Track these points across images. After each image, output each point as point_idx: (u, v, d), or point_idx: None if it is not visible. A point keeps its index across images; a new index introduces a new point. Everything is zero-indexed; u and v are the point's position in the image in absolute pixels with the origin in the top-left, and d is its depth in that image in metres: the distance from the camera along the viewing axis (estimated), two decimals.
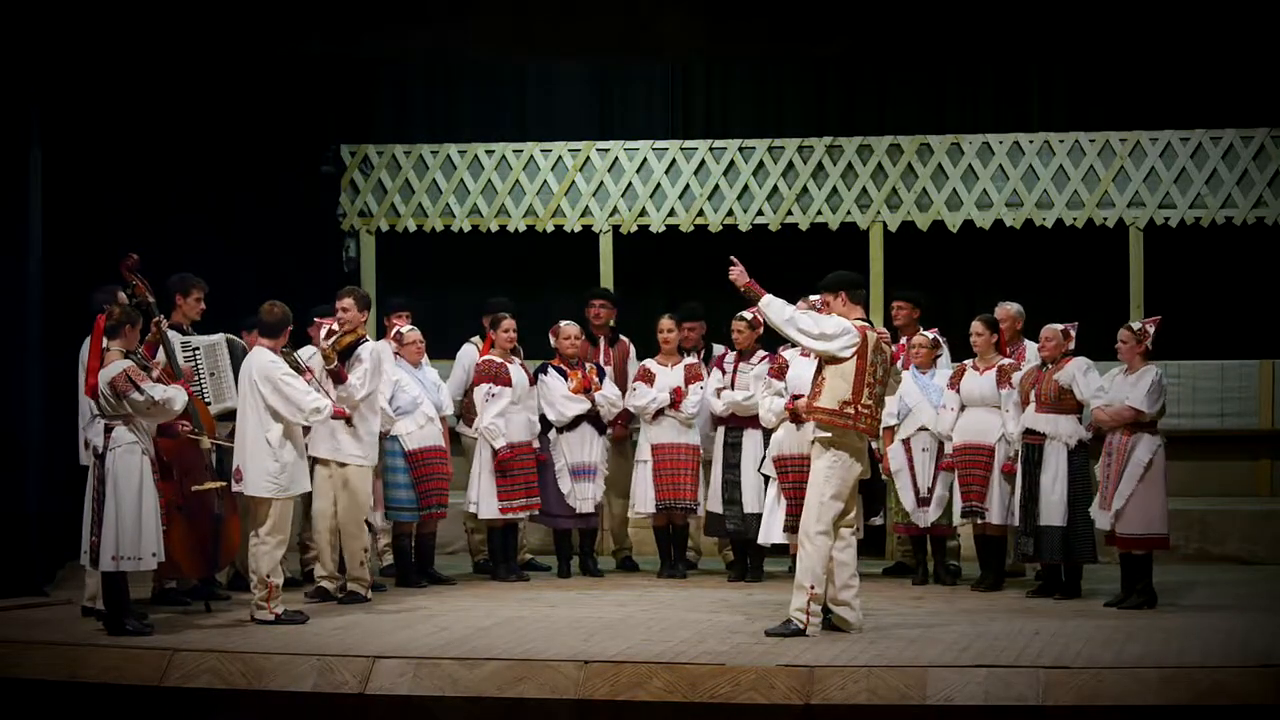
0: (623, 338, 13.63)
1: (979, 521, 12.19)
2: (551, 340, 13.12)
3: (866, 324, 10.31)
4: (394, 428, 12.30)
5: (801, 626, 10.14)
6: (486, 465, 12.70)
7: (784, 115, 15.45)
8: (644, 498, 12.94)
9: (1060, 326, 11.82)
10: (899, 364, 11.11)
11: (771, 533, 11.59)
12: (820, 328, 10.17)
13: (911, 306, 13.09)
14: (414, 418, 12.42)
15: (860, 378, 10.13)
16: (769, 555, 12.54)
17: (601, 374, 13.08)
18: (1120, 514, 11.30)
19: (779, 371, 11.77)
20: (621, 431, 13.28)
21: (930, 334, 12.76)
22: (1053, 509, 11.59)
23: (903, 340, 12.89)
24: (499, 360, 12.80)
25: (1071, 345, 11.81)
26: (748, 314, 12.45)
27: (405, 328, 12.71)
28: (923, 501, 12.46)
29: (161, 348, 11.09)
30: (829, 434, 10.18)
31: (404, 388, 12.42)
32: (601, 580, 12.88)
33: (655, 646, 9.84)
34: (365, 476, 11.71)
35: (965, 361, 12.44)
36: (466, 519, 13.17)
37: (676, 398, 12.83)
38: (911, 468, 12.50)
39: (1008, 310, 12.66)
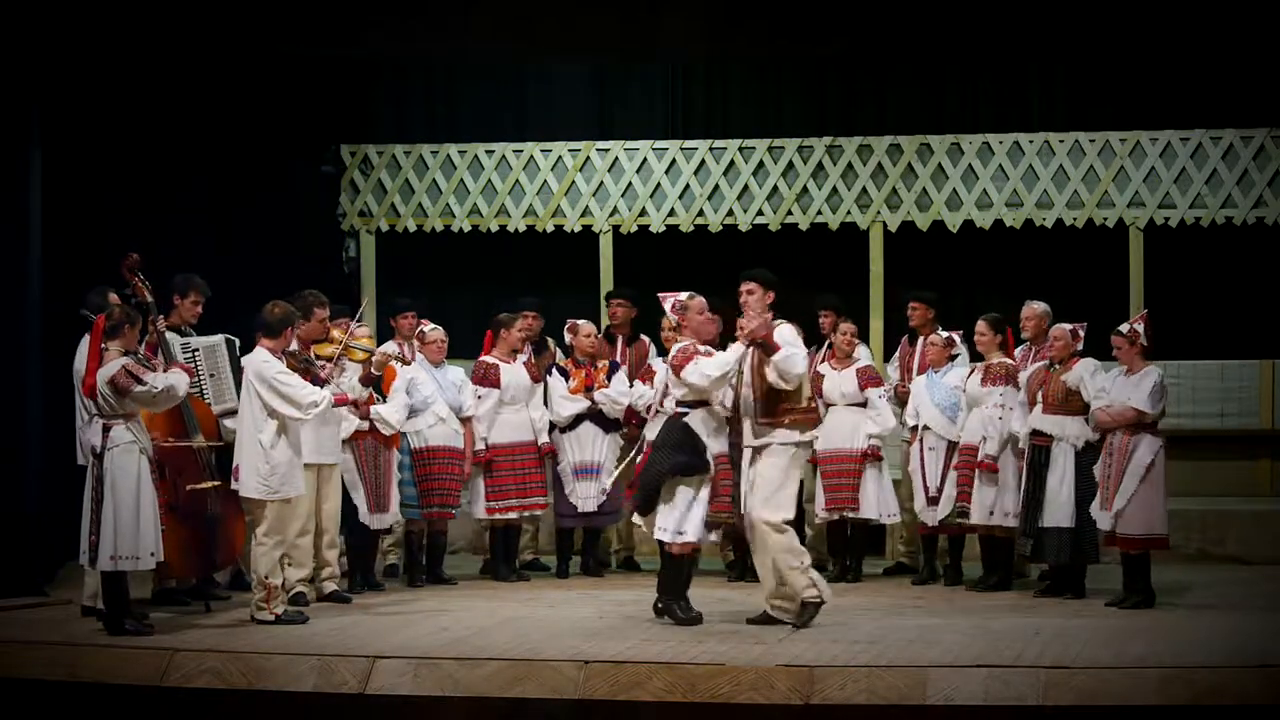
0: (643, 337, 13.56)
1: (963, 522, 12.16)
2: (567, 338, 13.13)
3: None
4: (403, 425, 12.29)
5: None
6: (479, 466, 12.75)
7: (784, 115, 15.44)
8: None
9: (1069, 327, 11.77)
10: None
11: None
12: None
13: (925, 307, 13.04)
14: (424, 416, 12.41)
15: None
16: None
17: (614, 370, 13.04)
18: (1121, 514, 11.27)
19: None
20: (634, 432, 13.24)
21: (944, 334, 12.73)
22: (1060, 510, 11.53)
23: (920, 340, 12.90)
24: (491, 361, 12.80)
25: (1080, 346, 11.78)
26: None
27: (428, 326, 12.70)
28: (931, 500, 12.44)
29: (160, 349, 11.09)
30: None
31: (419, 385, 12.40)
32: (602, 580, 12.88)
33: (655, 646, 9.82)
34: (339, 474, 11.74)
35: (979, 364, 12.40)
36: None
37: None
38: (923, 467, 12.49)
39: (1034, 309, 12.43)
